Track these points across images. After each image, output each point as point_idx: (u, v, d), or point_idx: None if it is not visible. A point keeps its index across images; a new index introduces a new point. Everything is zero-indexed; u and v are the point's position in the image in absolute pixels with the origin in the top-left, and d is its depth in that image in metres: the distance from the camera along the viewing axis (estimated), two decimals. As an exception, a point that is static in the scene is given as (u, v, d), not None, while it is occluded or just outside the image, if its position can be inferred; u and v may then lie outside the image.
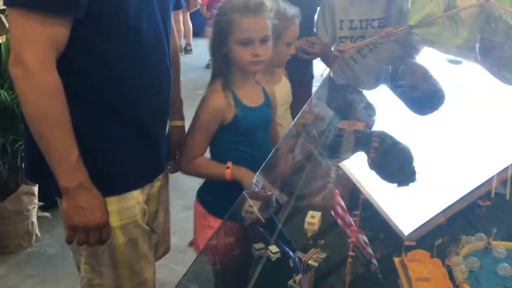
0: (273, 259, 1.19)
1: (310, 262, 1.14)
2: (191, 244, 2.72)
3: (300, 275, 1.10)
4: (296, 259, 1.16)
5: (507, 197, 1.47)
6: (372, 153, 1.51)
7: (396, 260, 1.13)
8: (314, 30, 2.19)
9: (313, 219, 1.30)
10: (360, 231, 1.11)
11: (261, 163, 1.48)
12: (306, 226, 1.29)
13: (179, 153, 1.61)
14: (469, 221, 1.34)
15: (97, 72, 1.23)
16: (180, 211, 2.97)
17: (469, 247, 1.22)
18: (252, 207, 1.29)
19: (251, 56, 1.44)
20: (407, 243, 1.12)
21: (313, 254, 1.16)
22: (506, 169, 1.51)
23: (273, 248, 1.20)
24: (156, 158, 1.43)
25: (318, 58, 2.36)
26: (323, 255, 1.16)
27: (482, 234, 1.25)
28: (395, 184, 1.54)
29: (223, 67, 1.50)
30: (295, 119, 1.71)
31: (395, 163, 1.58)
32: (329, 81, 2.01)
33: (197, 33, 6.53)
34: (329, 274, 1.14)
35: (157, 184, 1.49)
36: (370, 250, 1.11)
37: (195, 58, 6.19)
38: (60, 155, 1.19)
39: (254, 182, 1.35)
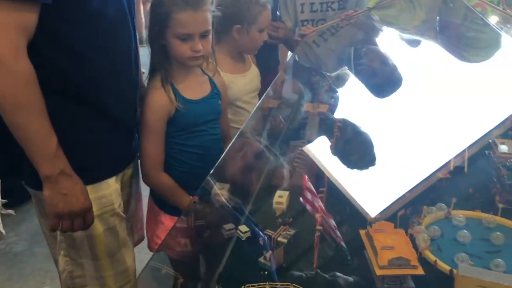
0: (243, 239, 1.21)
1: (279, 239, 1.17)
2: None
3: (270, 252, 1.12)
4: (266, 237, 1.18)
5: (465, 170, 1.53)
6: (336, 134, 1.54)
7: (362, 232, 1.17)
8: (278, 13, 2.21)
9: (281, 199, 1.33)
10: (328, 215, 1.14)
11: (208, 157, 1.47)
12: (274, 205, 1.32)
13: (139, 163, 1.55)
14: (430, 192, 1.39)
15: (65, 59, 1.20)
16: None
17: (430, 217, 1.27)
18: (221, 190, 1.30)
19: (190, 51, 1.38)
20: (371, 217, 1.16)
21: (282, 231, 1.19)
22: (464, 150, 1.58)
23: (243, 227, 1.22)
24: (129, 145, 1.42)
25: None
26: (292, 232, 1.20)
27: (443, 204, 1.31)
28: (356, 169, 1.57)
29: (161, 59, 1.43)
30: (258, 103, 1.71)
31: (356, 151, 1.61)
32: (293, 65, 2.03)
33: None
34: (298, 249, 1.17)
35: (128, 172, 1.48)
36: (338, 233, 1.13)
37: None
38: (40, 143, 1.17)
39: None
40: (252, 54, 1.89)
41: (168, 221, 1.52)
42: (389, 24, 2.21)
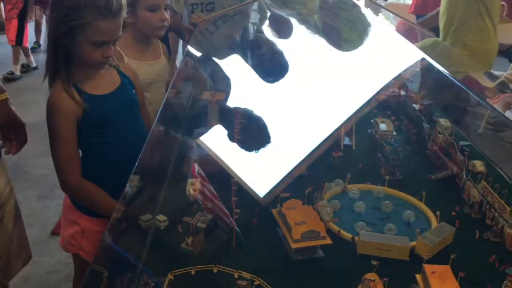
0: (162, 228, 1.24)
1: (198, 224, 1.22)
2: (54, 233, 2.60)
3: (191, 237, 1.17)
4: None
5: (354, 148, 1.72)
6: (241, 121, 1.62)
7: (274, 211, 1.27)
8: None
9: (193, 186, 1.37)
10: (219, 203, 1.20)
11: (133, 152, 1.45)
12: (188, 193, 1.36)
13: (56, 172, 1.43)
14: (328, 170, 1.54)
15: None
16: (35, 201, 2.80)
17: (330, 192, 1.42)
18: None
19: (101, 57, 1.35)
20: (282, 195, 1.26)
21: (200, 217, 1.24)
22: (349, 120, 1.76)
23: (161, 217, 1.24)
24: None
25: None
26: (209, 216, 1.25)
27: (340, 180, 1.46)
28: (254, 152, 1.68)
29: (63, 61, 1.35)
30: (166, 94, 1.71)
31: (254, 135, 1.71)
32: (187, 54, 2.06)
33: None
34: (217, 232, 1.23)
35: None
36: (230, 219, 1.21)
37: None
38: None
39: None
40: (156, 36, 1.85)
41: (85, 222, 1.47)
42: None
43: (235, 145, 1.65)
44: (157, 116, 1.41)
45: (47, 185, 2.97)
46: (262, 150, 1.65)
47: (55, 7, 1.35)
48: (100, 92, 1.39)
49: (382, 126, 1.77)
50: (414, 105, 2.00)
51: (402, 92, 2.12)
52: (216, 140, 1.67)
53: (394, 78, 2.10)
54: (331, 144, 1.68)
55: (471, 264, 1.13)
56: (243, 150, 1.65)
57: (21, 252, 1.54)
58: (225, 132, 1.70)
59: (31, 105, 3.76)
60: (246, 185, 1.41)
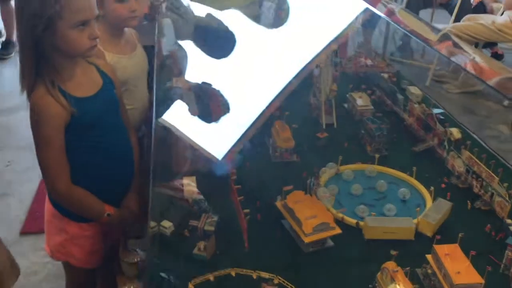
0: (168, 234, 1.21)
1: (206, 228, 1.20)
2: (23, 232, 2.49)
3: (202, 242, 1.16)
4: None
5: (335, 126, 1.74)
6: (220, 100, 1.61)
7: (279, 204, 1.28)
8: None
9: (189, 186, 1.35)
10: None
11: (115, 150, 1.41)
12: (186, 193, 1.33)
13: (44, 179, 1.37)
14: (316, 152, 1.56)
15: None
16: (-4, 201, 2.65)
17: (324, 176, 1.43)
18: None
19: (89, 41, 1.27)
20: (285, 188, 1.27)
21: (206, 220, 1.22)
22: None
23: (166, 223, 1.22)
24: None
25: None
26: (215, 218, 1.23)
27: (333, 163, 1.48)
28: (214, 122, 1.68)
29: (43, 59, 1.26)
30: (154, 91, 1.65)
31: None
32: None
33: None
34: (225, 233, 1.22)
35: None
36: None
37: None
38: None
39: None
40: (126, 26, 1.74)
41: (73, 229, 1.41)
42: None
43: (195, 118, 1.67)
44: (153, 112, 1.37)
45: (4, 182, 2.81)
46: (221, 119, 1.67)
47: (23, 5, 1.24)
48: (85, 94, 1.31)
49: (359, 102, 1.80)
50: (382, 74, 2.04)
51: (369, 62, 2.15)
52: (177, 116, 1.66)
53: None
54: (315, 123, 1.71)
55: (469, 235, 1.18)
56: (202, 122, 1.67)
57: (13, 269, 1.47)
58: (186, 107, 1.69)
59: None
60: (206, 151, 1.46)
